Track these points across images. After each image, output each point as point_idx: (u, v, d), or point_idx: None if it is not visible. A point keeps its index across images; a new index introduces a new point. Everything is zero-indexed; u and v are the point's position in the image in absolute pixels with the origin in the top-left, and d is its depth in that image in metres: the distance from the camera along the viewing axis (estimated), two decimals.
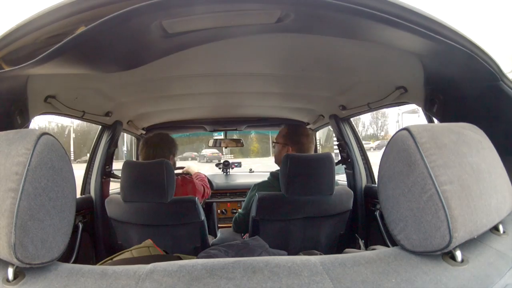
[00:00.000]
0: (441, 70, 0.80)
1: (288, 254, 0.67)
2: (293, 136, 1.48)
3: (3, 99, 0.78)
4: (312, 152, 1.49)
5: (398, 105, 1.26)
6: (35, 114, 0.96)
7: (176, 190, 1.33)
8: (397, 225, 0.49)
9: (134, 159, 2.37)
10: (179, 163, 2.23)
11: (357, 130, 1.77)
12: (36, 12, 0.51)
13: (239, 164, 2.97)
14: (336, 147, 1.87)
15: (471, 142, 0.52)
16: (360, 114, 1.63)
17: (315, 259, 0.47)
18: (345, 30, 0.64)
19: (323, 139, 2.64)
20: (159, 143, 1.51)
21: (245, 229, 1.49)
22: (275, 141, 1.58)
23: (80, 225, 1.44)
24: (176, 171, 1.65)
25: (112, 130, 1.65)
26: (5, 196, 0.41)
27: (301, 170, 1.26)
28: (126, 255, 0.90)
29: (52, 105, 1.05)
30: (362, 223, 1.64)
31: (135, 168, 1.30)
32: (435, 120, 0.92)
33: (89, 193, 1.66)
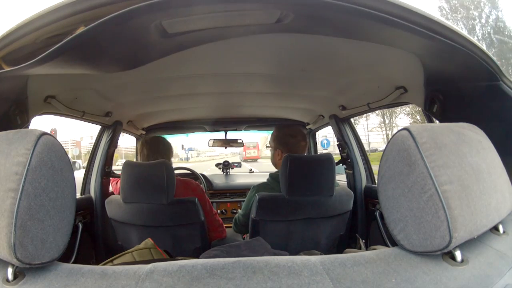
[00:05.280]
0: (441, 70, 0.80)
1: (288, 255, 0.66)
2: (280, 137, 1.46)
3: (3, 99, 0.78)
4: (304, 153, 1.48)
5: (398, 105, 1.26)
6: (35, 114, 0.96)
7: (177, 191, 1.33)
8: (397, 225, 0.49)
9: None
10: None
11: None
12: (36, 12, 0.51)
13: (239, 164, 2.97)
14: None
15: (471, 142, 0.52)
16: (360, 114, 1.63)
17: (315, 259, 0.47)
18: (345, 30, 0.64)
19: None
20: (158, 145, 1.51)
21: (245, 230, 1.49)
22: (268, 144, 1.56)
23: (80, 225, 1.44)
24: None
25: (112, 130, 1.65)
26: (5, 196, 0.41)
27: (301, 171, 1.26)
28: (127, 257, 0.88)
29: (52, 105, 1.05)
30: (362, 223, 1.64)
31: (135, 169, 1.30)
32: (435, 121, 0.92)
33: (89, 193, 1.66)
